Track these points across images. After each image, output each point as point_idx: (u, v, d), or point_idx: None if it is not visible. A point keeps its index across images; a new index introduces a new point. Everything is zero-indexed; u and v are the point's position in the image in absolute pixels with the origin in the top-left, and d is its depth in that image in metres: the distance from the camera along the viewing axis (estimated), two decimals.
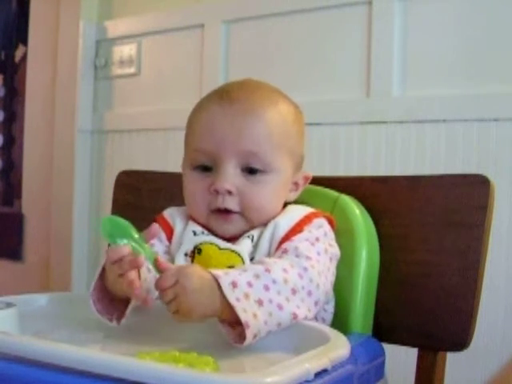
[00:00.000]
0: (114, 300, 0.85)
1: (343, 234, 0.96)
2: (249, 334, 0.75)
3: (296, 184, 0.99)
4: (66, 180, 2.21)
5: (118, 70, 2.15)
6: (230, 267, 0.85)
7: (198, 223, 0.96)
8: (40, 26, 2.38)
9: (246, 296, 0.77)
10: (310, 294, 0.83)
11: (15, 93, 2.50)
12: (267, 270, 0.81)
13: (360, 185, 1.04)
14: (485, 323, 1.36)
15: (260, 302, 0.78)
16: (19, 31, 2.46)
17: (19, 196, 2.46)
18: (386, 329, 0.98)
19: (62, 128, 2.23)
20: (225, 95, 0.93)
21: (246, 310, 0.76)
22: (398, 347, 0.97)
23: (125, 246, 0.79)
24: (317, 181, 1.02)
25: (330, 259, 0.90)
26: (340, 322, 0.92)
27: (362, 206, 1.01)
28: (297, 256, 0.86)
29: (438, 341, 0.95)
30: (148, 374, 0.58)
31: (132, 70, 2.11)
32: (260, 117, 0.92)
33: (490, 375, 1.42)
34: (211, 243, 0.92)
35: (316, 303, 0.84)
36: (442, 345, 0.95)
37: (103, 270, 0.84)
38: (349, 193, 1.02)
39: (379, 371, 0.85)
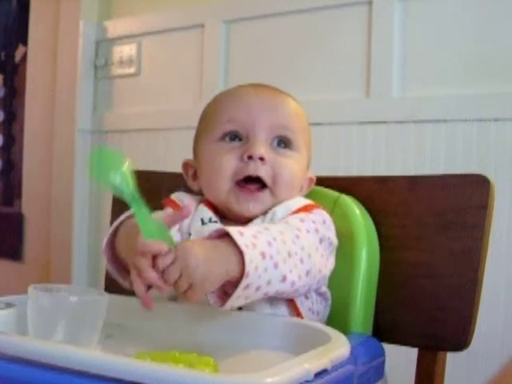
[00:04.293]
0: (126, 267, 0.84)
1: (343, 234, 0.96)
2: (243, 283, 0.74)
3: (301, 186, 0.99)
4: (65, 180, 2.21)
5: (117, 70, 2.15)
6: None
7: (211, 205, 0.94)
8: (40, 26, 2.38)
9: (254, 245, 0.76)
10: (302, 261, 0.82)
11: (15, 93, 2.50)
12: (266, 229, 0.81)
13: (360, 185, 1.04)
14: (485, 323, 1.35)
15: (263, 255, 0.77)
16: (19, 31, 2.46)
17: (19, 196, 2.46)
18: (386, 329, 0.98)
19: (62, 128, 2.23)
20: (254, 84, 0.99)
21: (251, 261, 0.75)
22: (397, 347, 0.97)
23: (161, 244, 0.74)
24: (317, 181, 1.03)
25: (321, 241, 0.89)
26: (340, 322, 0.92)
27: (362, 206, 1.01)
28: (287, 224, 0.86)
29: (438, 341, 0.95)
30: (148, 374, 0.58)
31: (132, 69, 2.11)
32: (289, 101, 0.99)
33: (490, 375, 1.42)
34: None
35: (308, 273, 0.83)
36: (442, 345, 0.95)
37: (115, 231, 0.85)
38: (349, 193, 1.02)
39: (379, 371, 0.85)
